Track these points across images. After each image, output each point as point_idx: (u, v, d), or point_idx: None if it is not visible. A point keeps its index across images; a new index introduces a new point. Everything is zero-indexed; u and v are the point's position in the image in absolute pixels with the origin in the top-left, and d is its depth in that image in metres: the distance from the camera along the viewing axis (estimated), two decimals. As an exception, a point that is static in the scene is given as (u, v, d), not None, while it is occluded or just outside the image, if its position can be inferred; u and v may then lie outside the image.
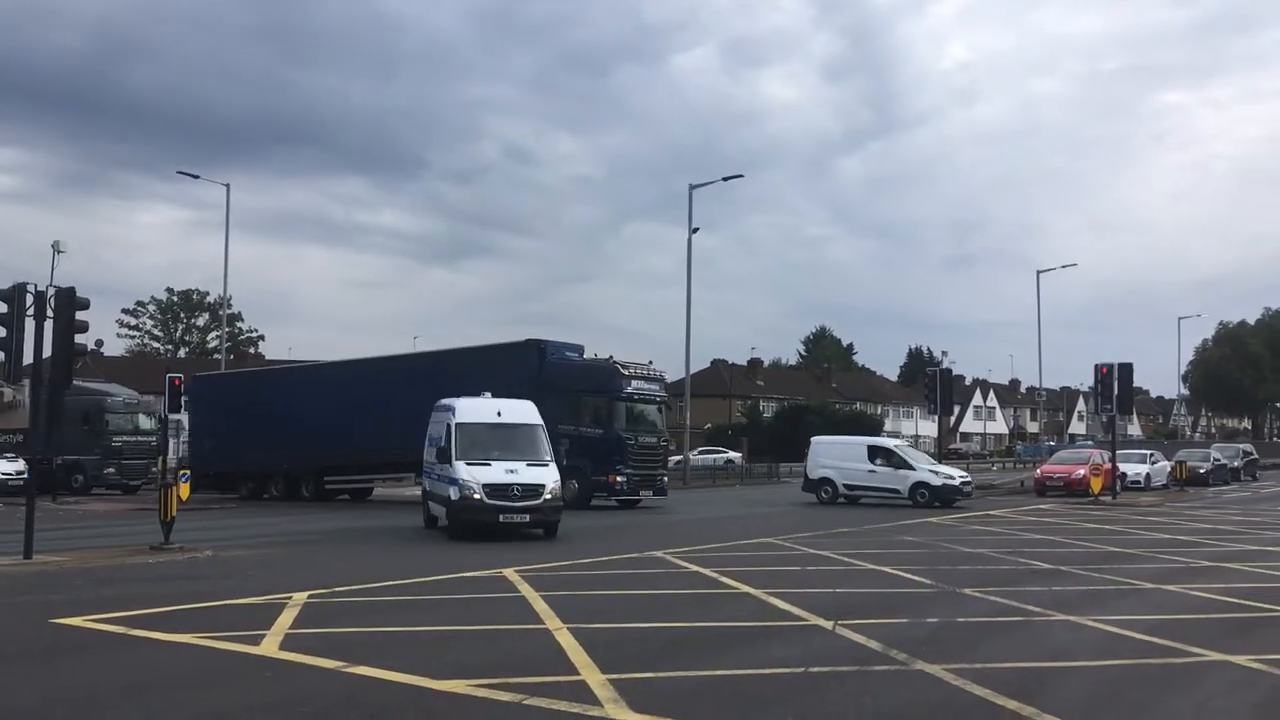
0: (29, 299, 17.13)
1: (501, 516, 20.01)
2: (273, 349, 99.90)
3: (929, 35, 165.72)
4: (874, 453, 34.03)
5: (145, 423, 41.52)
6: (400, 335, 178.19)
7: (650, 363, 33.60)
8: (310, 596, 12.89)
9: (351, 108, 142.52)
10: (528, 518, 20.27)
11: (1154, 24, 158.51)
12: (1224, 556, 18.23)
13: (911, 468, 32.90)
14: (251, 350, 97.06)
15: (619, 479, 29.91)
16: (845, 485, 33.59)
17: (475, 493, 20.00)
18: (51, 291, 17.52)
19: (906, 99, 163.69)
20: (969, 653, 9.59)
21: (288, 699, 7.93)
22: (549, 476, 20.71)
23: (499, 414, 21.79)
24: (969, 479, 34.38)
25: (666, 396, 32.84)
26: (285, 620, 11.25)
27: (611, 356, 31.89)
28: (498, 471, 20.28)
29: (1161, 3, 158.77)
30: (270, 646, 9.90)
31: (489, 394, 22.64)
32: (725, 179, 45.63)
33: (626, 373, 30.65)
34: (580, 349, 32.12)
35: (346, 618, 11.55)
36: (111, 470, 39.53)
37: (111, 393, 41.65)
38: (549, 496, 20.36)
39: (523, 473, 20.43)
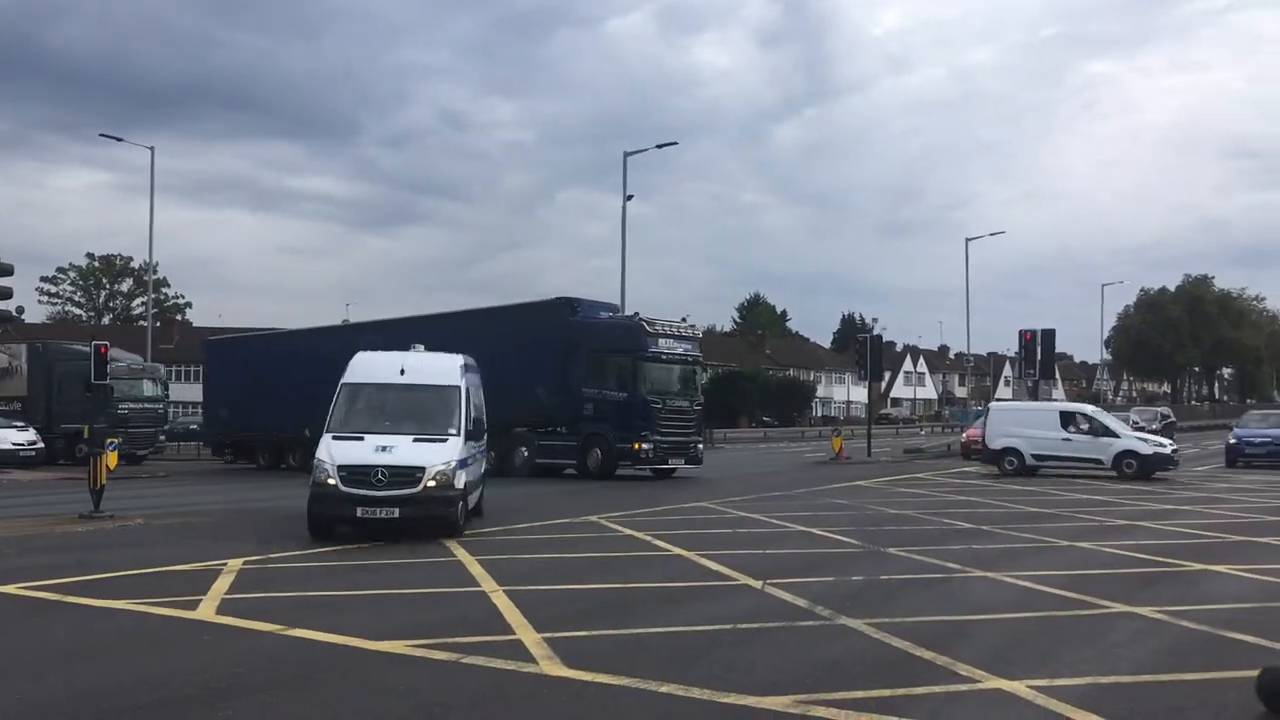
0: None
1: (359, 510, 14.81)
2: (201, 316, 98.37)
3: (861, 2, 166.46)
4: (1067, 419, 30.56)
5: (150, 389, 40.34)
6: (333, 303, 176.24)
7: (685, 319, 32.00)
8: (246, 563, 12.95)
9: (282, 70, 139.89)
10: (396, 512, 14.75)
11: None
12: (1136, 515, 18.97)
13: (1115, 435, 29.71)
14: (179, 317, 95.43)
15: (644, 446, 27.94)
16: (1033, 455, 30.33)
17: (329, 476, 14.97)
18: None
19: (839, 66, 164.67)
20: (890, 607, 9.99)
21: (225, 660, 8.05)
22: (437, 456, 15.10)
23: (401, 371, 16.68)
24: (1177, 447, 32.11)
25: (700, 356, 30.53)
26: (221, 586, 11.32)
27: (637, 314, 30.40)
28: (365, 449, 15.14)
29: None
30: (207, 611, 9.99)
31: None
32: (659, 146, 45.63)
33: (653, 330, 28.64)
34: (615, 308, 30.48)
35: (283, 583, 11.65)
36: (118, 440, 38.40)
37: (116, 358, 39.18)
38: (433, 483, 14.84)
39: (400, 450, 15.07)
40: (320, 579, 12.02)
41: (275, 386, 34.11)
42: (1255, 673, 6.84)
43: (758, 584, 11.35)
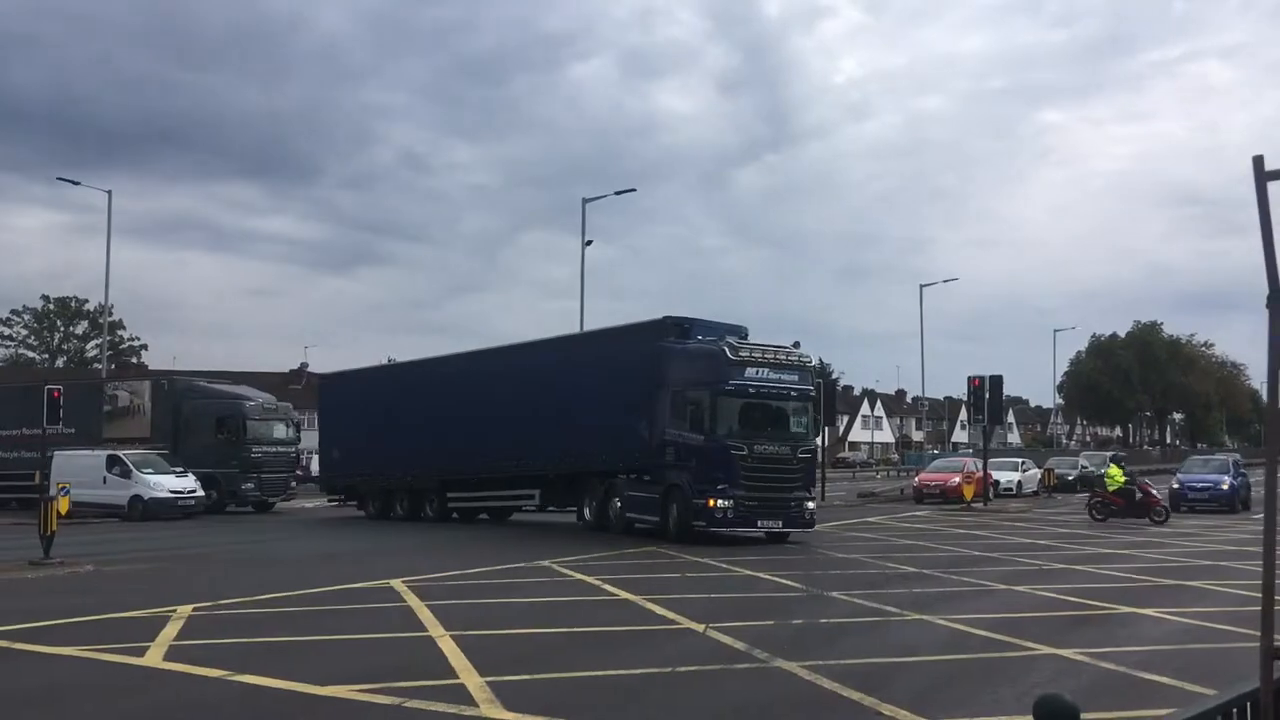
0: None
1: None
2: (156, 359, 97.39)
3: (822, 50, 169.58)
4: None
5: (283, 431, 37.27)
6: (291, 344, 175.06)
7: (796, 344, 25.94)
8: (195, 610, 13.05)
9: (242, 112, 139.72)
10: None
11: (1035, 45, 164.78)
12: (1075, 559, 19.47)
13: None
14: (134, 360, 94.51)
15: (720, 502, 21.89)
16: None
17: None
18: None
19: (800, 113, 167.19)
20: (825, 650, 10.32)
21: (172, 706, 8.22)
22: None
23: None
24: None
25: (810, 390, 24.12)
26: (170, 632, 11.44)
27: (726, 337, 23.63)
28: None
29: (1042, 24, 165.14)
30: (154, 658, 10.13)
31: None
32: (618, 193, 46.27)
33: (737, 358, 22.51)
34: (741, 330, 24.86)
35: (232, 629, 11.78)
36: (250, 485, 35.27)
37: (249, 396, 37.53)
38: None
39: None
40: (269, 625, 12.16)
41: (380, 426, 31.01)
42: (1161, 711, 7.22)
43: (700, 627, 11.64)
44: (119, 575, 17.21)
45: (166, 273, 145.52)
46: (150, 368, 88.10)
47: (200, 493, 32.43)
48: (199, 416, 35.76)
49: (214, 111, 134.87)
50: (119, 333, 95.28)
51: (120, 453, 32.85)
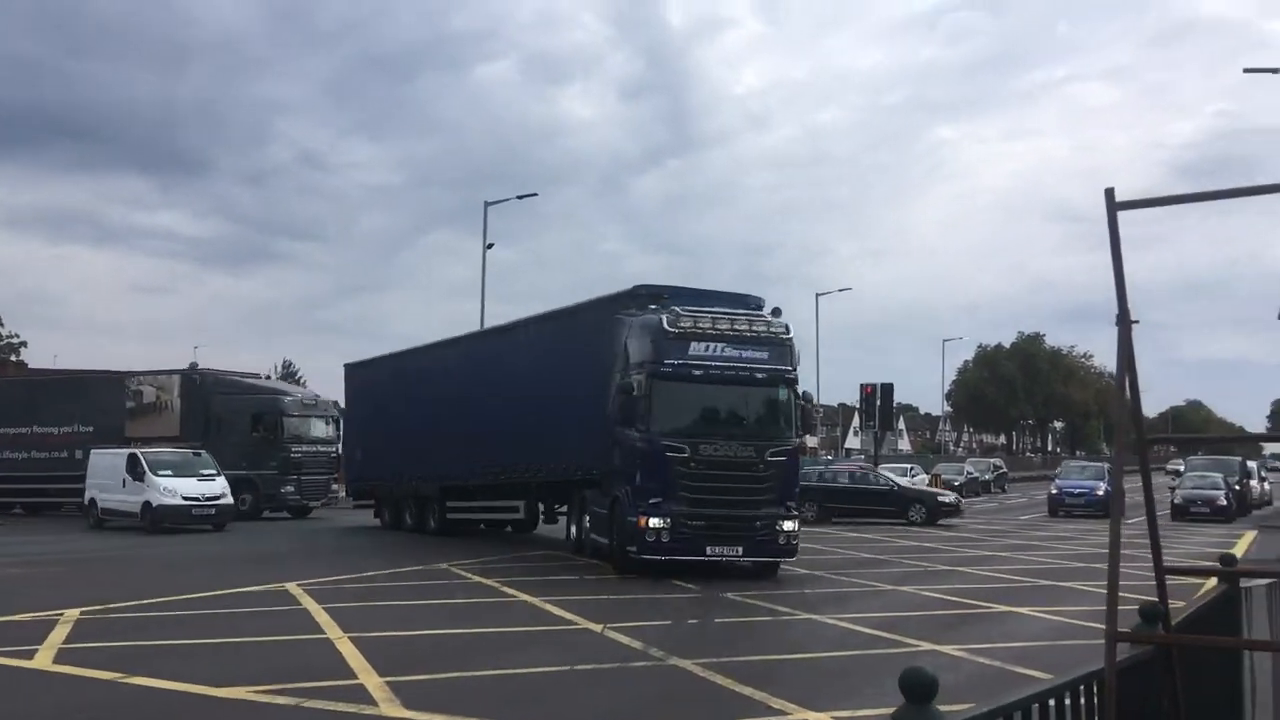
0: None
1: None
2: (36, 356, 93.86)
3: (723, 60, 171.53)
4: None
5: (322, 429, 33.24)
6: (179, 343, 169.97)
7: (775, 311, 18.58)
8: (83, 613, 12.80)
9: (131, 102, 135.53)
10: None
11: (930, 62, 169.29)
12: (960, 561, 20.24)
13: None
14: (12, 358, 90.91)
15: (652, 523, 16.52)
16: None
17: None
18: None
19: (702, 121, 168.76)
20: (719, 649, 10.66)
21: (64, 709, 8.14)
22: None
23: None
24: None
25: (788, 371, 17.69)
26: (58, 635, 11.23)
27: (673, 308, 17.56)
28: None
29: (936, 41, 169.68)
30: (44, 660, 9.97)
31: None
32: (520, 197, 46.18)
33: (680, 329, 16.94)
34: (752, 300, 19.17)
35: (123, 632, 11.61)
36: (290, 489, 31.60)
37: (286, 391, 34.84)
38: None
39: None
40: (163, 628, 12.02)
41: (392, 423, 27.67)
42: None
43: (598, 628, 11.87)
44: (5, 579, 16.71)
45: (49, 267, 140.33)
46: (29, 366, 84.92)
47: (227, 499, 27.04)
48: (232, 413, 32.08)
49: (102, 101, 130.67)
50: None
51: (140, 452, 27.71)
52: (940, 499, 31.51)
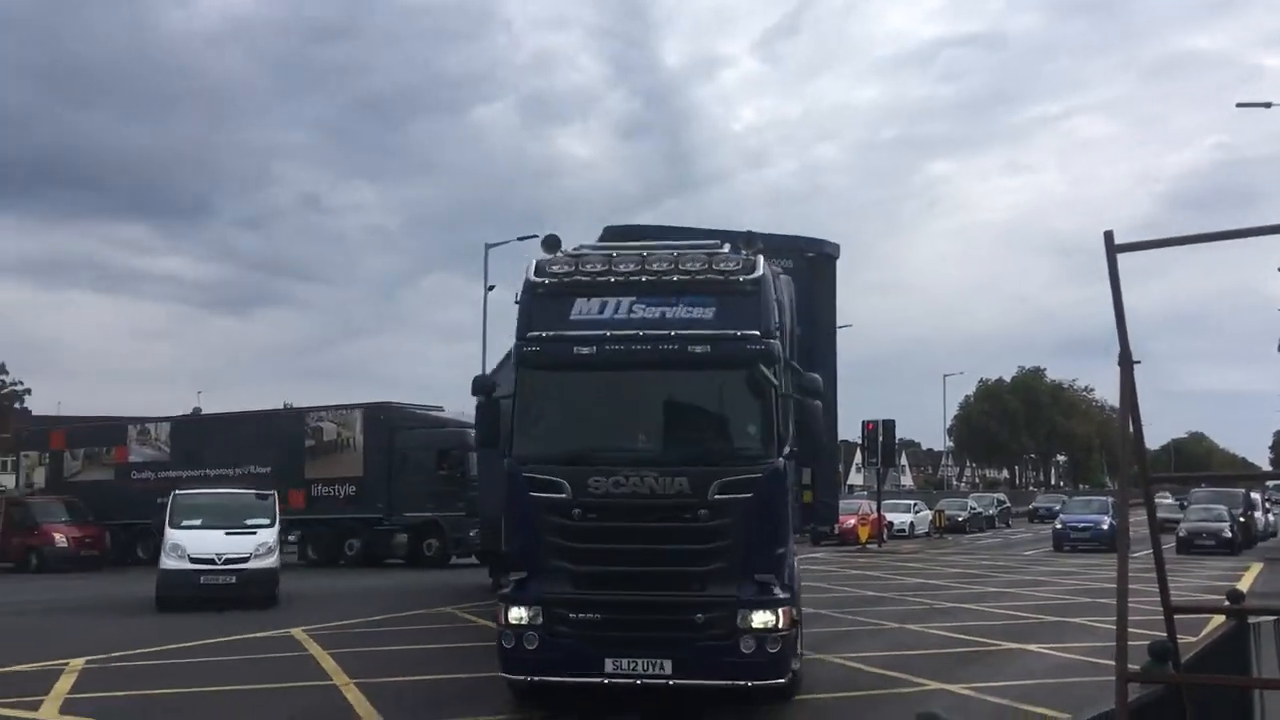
0: None
1: None
2: (40, 404, 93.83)
3: (720, 99, 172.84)
4: None
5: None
6: (183, 388, 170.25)
7: (747, 238, 10.42)
8: (88, 662, 12.77)
9: (131, 150, 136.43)
10: None
11: (925, 99, 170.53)
12: (965, 598, 20.15)
13: None
14: (16, 405, 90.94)
15: (513, 615, 9.49)
16: None
17: None
18: None
19: (700, 159, 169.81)
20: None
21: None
22: None
23: None
24: None
25: (755, 335, 9.63)
26: (64, 685, 11.22)
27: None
28: None
29: (931, 79, 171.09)
30: (50, 711, 9.96)
31: None
32: (520, 239, 46.36)
33: (552, 277, 10.07)
34: (825, 246, 14.50)
35: (129, 682, 11.59)
36: (474, 533, 26.53)
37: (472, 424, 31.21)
38: None
39: None
40: (168, 676, 11.97)
41: None
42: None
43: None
44: (6, 629, 16.67)
45: (50, 314, 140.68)
46: (34, 413, 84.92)
47: (262, 560, 19.49)
48: (416, 450, 29.59)
49: (101, 148, 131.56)
50: (0, 377, 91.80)
51: (182, 493, 21.76)
52: None
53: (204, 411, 36.81)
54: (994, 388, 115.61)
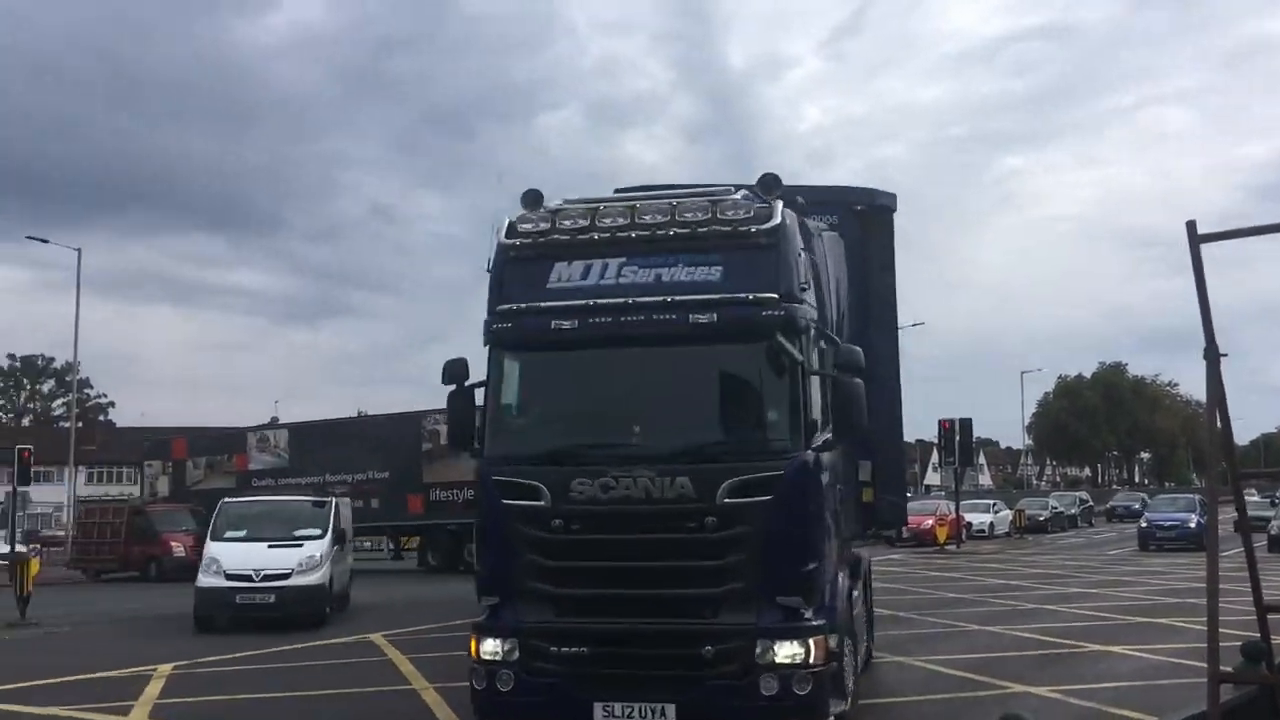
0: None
1: None
2: (124, 415, 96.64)
3: (785, 99, 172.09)
4: None
5: None
6: (259, 398, 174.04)
7: (767, 181, 8.49)
8: (175, 668, 13.07)
9: (203, 164, 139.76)
10: None
11: (993, 94, 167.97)
12: (1048, 599, 19.75)
13: None
14: (101, 417, 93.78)
15: (486, 647, 8.04)
16: None
17: None
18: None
19: (767, 160, 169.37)
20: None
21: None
22: None
23: None
24: None
25: (772, 300, 7.84)
26: (153, 691, 11.49)
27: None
28: None
29: (999, 74, 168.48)
30: (139, 716, 10.19)
31: None
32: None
33: (525, 236, 8.35)
34: (880, 196, 12.39)
35: (214, 687, 11.84)
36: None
37: None
38: None
39: None
40: (251, 681, 12.21)
41: None
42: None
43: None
44: (97, 635, 17.17)
45: (129, 328, 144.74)
46: (117, 425, 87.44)
47: (306, 577, 17.49)
48: None
49: (175, 165, 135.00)
50: (86, 390, 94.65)
51: (231, 501, 20.67)
52: None
53: (280, 420, 37.18)
54: (1073, 384, 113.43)
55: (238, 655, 14.15)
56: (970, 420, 36.96)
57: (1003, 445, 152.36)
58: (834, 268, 9.77)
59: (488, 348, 8.31)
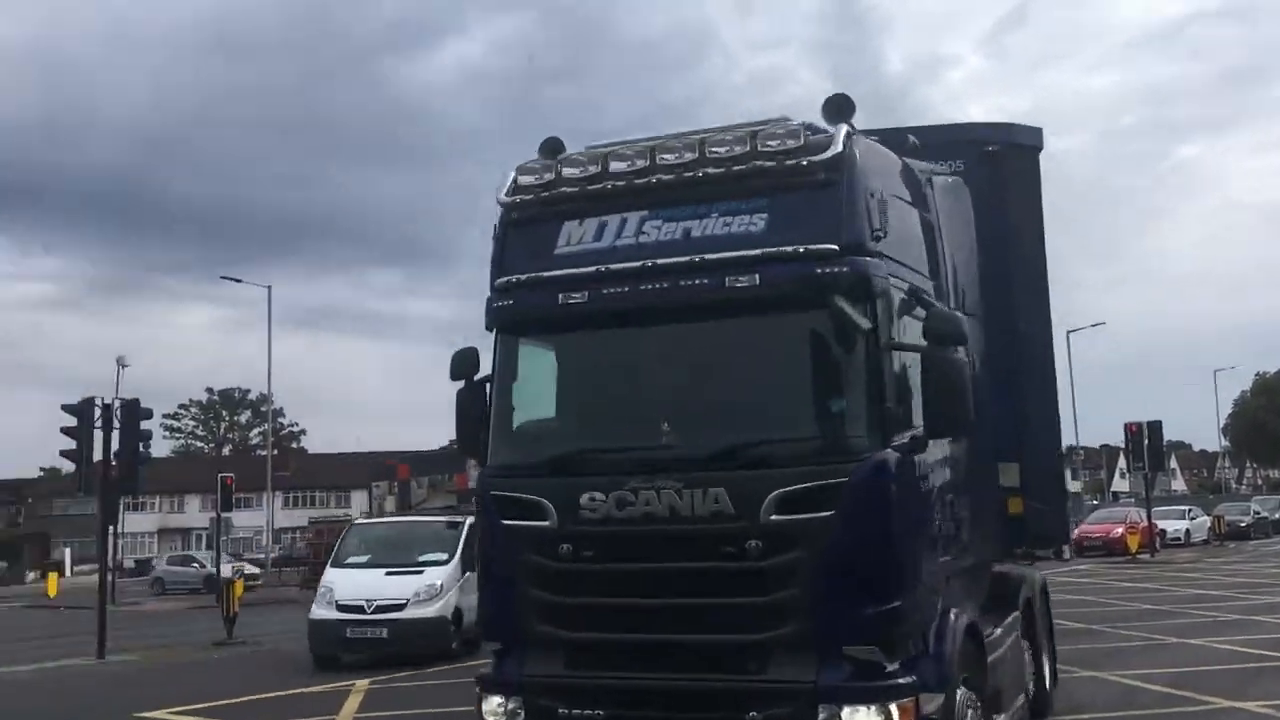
0: (96, 412, 18.30)
1: None
2: (314, 443, 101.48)
3: (948, 99, 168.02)
4: None
5: None
6: (438, 424, 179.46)
7: (837, 102, 6.37)
8: (372, 683, 13.66)
9: (382, 200, 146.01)
10: None
11: (1169, 80, 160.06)
12: (1253, 609, 18.60)
13: None
14: (294, 445, 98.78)
15: (487, 709, 6.71)
16: None
17: None
18: (118, 404, 18.72)
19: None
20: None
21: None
22: None
23: None
24: None
25: (831, 266, 5.88)
26: (352, 705, 12.05)
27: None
28: None
29: (1175, 58, 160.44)
30: (341, 730, 10.70)
31: None
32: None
33: (529, 189, 6.66)
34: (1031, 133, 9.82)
35: (410, 701, 12.31)
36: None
37: None
38: None
39: None
40: (445, 695, 12.60)
41: None
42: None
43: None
44: (298, 652, 17.97)
45: (318, 359, 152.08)
46: (309, 452, 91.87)
47: (425, 606, 15.65)
48: None
49: (358, 201, 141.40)
50: (279, 420, 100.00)
51: (360, 522, 20.31)
52: None
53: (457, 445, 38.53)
54: (1273, 381, 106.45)
55: (432, 670, 14.61)
56: (1159, 423, 35.22)
57: (1195, 448, 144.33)
58: (953, 225, 7.74)
59: (491, 332, 6.74)
